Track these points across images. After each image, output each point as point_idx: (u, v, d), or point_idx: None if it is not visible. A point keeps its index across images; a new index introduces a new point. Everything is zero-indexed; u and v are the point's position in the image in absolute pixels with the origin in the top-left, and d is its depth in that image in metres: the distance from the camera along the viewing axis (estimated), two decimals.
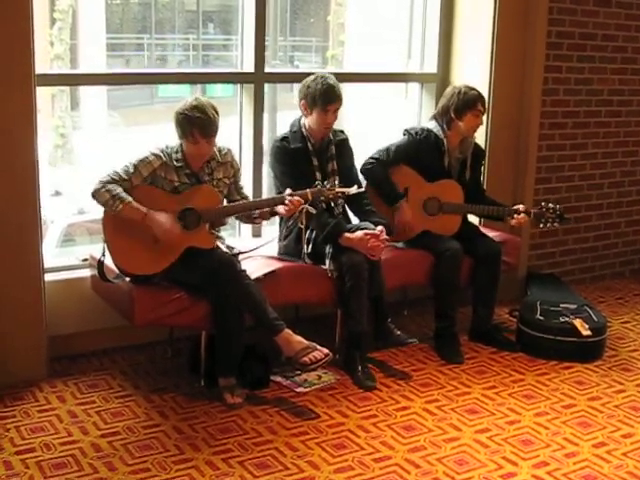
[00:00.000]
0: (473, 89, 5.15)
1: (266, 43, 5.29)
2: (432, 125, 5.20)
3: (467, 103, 5.08)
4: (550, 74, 5.99)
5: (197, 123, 4.19)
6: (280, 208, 4.40)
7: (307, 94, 4.68)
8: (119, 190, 4.15)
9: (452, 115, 5.11)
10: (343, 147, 4.91)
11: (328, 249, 4.64)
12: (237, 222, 5.08)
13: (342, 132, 4.95)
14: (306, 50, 9.12)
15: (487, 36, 5.70)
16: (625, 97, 6.49)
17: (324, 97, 4.63)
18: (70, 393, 4.33)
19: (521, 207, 5.17)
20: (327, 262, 4.65)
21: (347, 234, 4.61)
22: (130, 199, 4.16)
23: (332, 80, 4.69)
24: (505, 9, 5.66)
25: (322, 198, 4.44)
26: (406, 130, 5.24)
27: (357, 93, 6.85)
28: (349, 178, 4.80)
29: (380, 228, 4.66)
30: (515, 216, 5.14)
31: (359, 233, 4.61)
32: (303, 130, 4.76)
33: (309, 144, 4.76)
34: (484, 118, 5.24)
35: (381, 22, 7.05)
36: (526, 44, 5.82)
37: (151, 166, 4.27)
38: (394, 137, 5.23)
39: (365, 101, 7.34)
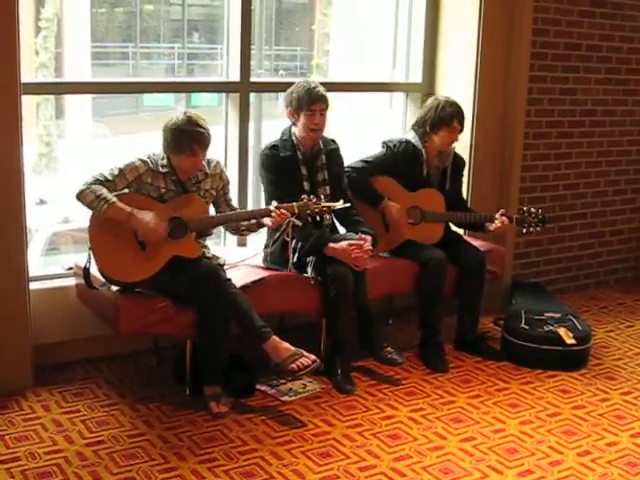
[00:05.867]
0: (453, 104, 5.09)
1: (252, 52, 5.30)
2: (410, 136, 5.19)
3: (443, 119, 5.03)
4: (535, 84, 6.02)
5: (196, 137, 4.21)
6: (266, 220, 4.40)
7: (292, 99, 4.69)
8: (104, 191, 4.14)
9: (427, 129, 5.10)
10: (334, 156, 4.90)
11: (310, 257, 4.65)
12: (222, 232, 5.08)
13: (334, 141, 4.94)
14: (291, 59, 9.14)
15: (472, 46, 5.72)
16: (609, 107, 6.53)
17: (309, 97, 4.63)
18: (55, 402, 4.31)
19: (501, 212, 5.17)
20: (309, 270, 4.65)
21: (331, 244, 4.61)
22: (115, 199, 4.15)
23: (315, 83, 4.71)
24: (490, 19, 5.68)
25: (308, 212, 4.44)
26: (384, 143, 5.22)
27: (342, 103, 6.86)
28: (339, 188, 4.82)
29: (364, 237, 4.67)
30: (496, 220, 5.13)
31: (343, 244, 4.61)
32: (293, 139, 4.75)
33: (299, 153, 4.76)
34: (467, 130, 5.22)
35: (366, 32, 7.06)
36: (511, 54, 5.85)
37: (137, 171, 4.27)
38: (376, 148, 5.24)
39: (350, 111, 7.35)
